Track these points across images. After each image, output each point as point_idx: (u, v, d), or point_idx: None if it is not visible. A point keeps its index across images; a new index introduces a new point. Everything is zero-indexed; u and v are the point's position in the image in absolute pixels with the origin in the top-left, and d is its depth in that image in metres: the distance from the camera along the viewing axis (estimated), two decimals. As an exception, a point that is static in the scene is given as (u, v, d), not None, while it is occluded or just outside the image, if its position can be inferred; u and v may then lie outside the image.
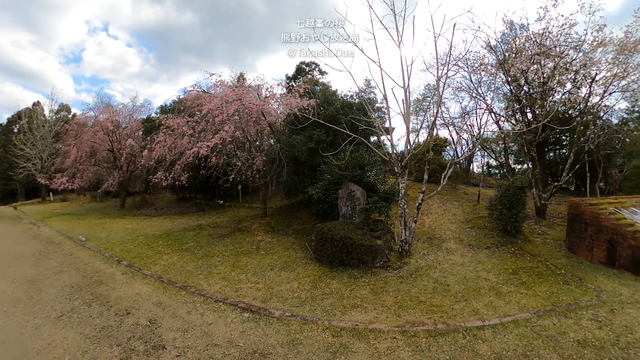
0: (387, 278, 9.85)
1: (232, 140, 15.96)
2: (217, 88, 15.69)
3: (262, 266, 11.09)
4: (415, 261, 11.24)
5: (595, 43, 12.85)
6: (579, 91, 15.07)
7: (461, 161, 28.19)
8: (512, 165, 30.20)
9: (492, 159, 26.90)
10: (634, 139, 18.92)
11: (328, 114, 14.67)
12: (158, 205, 29.32)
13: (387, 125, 13.52)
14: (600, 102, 14.99)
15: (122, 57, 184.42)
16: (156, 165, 21.13)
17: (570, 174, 15.20)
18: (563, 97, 14.87)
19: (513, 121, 17.77)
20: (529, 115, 16.93)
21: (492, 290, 8.30)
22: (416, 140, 22.80)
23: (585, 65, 13.29)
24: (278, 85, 17.19)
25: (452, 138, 26.80)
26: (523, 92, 15.73)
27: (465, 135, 25.47)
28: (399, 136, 48.87)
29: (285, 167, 15.81)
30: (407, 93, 10.84)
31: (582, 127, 14.55)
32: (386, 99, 11.41)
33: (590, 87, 13.99)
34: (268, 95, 16.75)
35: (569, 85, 15.27)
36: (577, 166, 15.96)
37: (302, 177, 15.62)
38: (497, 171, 32.05)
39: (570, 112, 18.06)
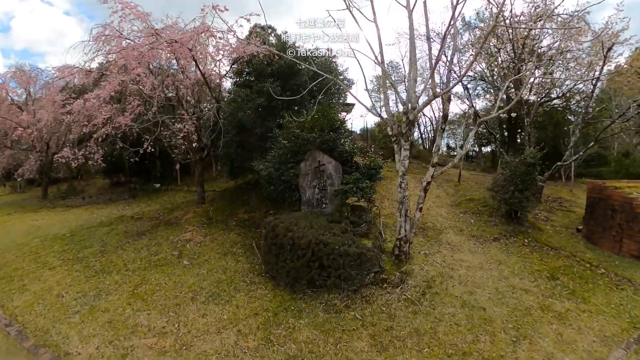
0: (389, 305, 5.64)
1: (148, 101, 10.46)
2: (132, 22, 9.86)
3: (179, 292, 6.37)
4: (419, 268, 6.92)
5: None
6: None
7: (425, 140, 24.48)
8: (473, 149, 27.12)
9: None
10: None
11: (285, 63, 9.61)
12: (88, 193, 22.74)
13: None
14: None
15: (59, 27, 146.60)
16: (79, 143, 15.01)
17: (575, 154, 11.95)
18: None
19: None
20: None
21: (546, 311, 5.72)
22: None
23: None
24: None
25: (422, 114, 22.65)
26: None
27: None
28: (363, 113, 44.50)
29: (226, 136, 10.60)
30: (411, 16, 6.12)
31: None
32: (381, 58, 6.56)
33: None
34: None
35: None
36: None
37: (250, 149, 10.54)
38: (454, 153, 28.86)
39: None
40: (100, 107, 11.18)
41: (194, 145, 12.50)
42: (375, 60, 6.33)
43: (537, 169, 9.52)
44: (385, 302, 5.58)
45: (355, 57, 6.56)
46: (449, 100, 7.72)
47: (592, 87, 12.04)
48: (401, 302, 5.64)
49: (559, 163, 12.04)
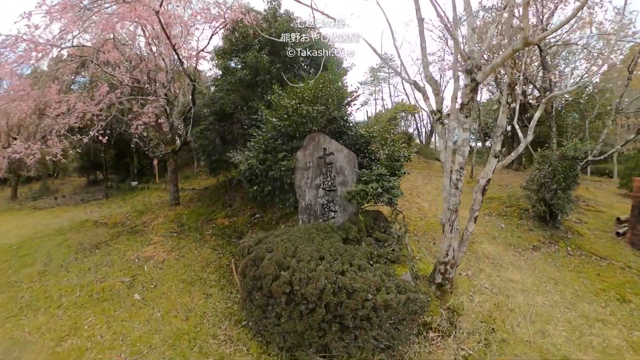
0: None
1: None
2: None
3: (117, 352, 3.92)
4: (468, 299, 4.99)
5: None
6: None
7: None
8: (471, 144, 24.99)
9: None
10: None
11: (277, 27, 7.12)
12: (62, 193, 19.92)
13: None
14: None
15: None
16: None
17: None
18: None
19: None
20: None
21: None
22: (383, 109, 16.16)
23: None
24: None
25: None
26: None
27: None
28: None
29: (203, 123, 8.10)
30: None
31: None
32: None
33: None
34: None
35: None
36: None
37: (232, 140, 8.06)
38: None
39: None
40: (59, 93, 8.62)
41: (168, 136, 9.93)
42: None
43: (580, 164, 7.96)
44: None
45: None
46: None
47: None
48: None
49: (591, 158, 10.02)
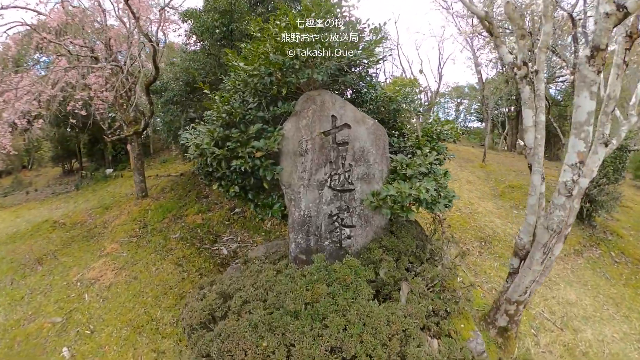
0: None
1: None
2: None
3: None
4: (533, 344, 3.68)
5: None
6: None
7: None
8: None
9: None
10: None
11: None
12: (37, 185, 17.36)
13: None
14: None
15: None
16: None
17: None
18: None
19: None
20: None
21: None
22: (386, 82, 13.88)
23: None
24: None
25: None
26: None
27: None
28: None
29: (168, 94, 5.87)
30: None
31: None
32: None
33: None
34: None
35: None
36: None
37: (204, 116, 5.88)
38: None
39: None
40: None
41: (130, 115, 7.64)
42: None
43: (629, 155, 6.86)
44: None
45: None
46: None
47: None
48: None
49: (636, 148, 8.19)
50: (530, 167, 2.80)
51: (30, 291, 4.86)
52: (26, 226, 8.30)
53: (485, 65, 16.24)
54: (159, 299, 4.09)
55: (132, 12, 6.09)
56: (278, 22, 2.19)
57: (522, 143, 2.83)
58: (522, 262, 2.86)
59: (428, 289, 2.34)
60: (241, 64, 2.32)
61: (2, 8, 6.06)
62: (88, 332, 3.75)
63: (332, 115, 2.42)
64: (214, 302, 1.90)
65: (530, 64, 2.64)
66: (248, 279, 2.09)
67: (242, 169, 2.18)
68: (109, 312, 4.04)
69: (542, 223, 2.47)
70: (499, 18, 8.85)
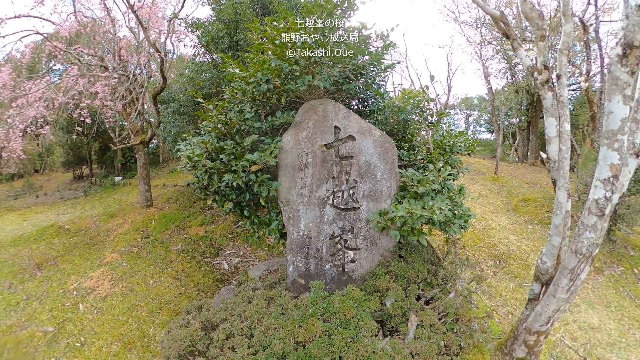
0: None
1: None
2: None
3: None
4: None
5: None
6: None
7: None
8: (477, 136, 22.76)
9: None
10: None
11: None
12: (47, 189, 17.61)
13: None
14: None
15: None
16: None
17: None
18: None
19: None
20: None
21: None
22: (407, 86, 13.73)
23: None
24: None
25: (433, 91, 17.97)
26: None
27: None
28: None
29: (173, 105, 5.79)
30: None
31: None
32: None
33: None
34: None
35: None
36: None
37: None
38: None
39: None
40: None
41: (137, 124, 7.62)
42: None
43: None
44: None
45: None
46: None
47: None
48: None
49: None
50: (554, 183, 2.52)
51: (26, 297, 4.71)
52: (32, 230, 8.27)
53: (495, 76, 15.94)
54: (154, 314, 3.87)
55: (140, 22, 6.10)
56: (276, 24, 2.01)
57: (544, 155, 2.55)
58: (544, 287, 2.56)
59: (440, 320, 2.06)
60: (237, 70, 2.14)
61: (16, 17, 6.14)
62: (78, 344, 3.55)
63: (335, 126, 2.20)
64: (196, 333, 1.67)
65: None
66: (238, 307, 1.86)
67: (236, 184, 1.96)
68: (102, 324, 3.83)
69: (569, 246, 2.18)
70: (513, 21, 8.66)
